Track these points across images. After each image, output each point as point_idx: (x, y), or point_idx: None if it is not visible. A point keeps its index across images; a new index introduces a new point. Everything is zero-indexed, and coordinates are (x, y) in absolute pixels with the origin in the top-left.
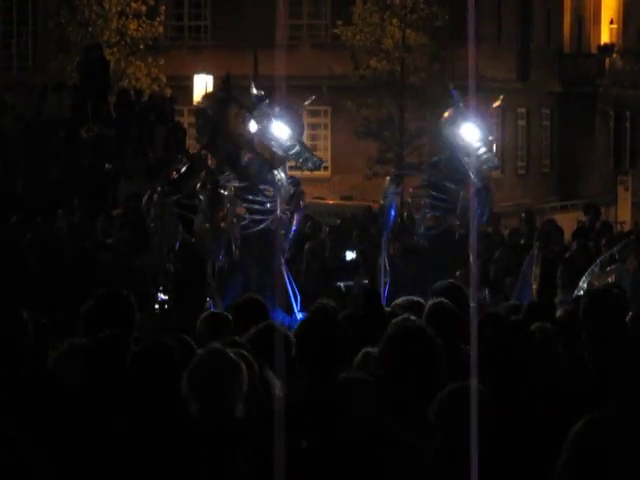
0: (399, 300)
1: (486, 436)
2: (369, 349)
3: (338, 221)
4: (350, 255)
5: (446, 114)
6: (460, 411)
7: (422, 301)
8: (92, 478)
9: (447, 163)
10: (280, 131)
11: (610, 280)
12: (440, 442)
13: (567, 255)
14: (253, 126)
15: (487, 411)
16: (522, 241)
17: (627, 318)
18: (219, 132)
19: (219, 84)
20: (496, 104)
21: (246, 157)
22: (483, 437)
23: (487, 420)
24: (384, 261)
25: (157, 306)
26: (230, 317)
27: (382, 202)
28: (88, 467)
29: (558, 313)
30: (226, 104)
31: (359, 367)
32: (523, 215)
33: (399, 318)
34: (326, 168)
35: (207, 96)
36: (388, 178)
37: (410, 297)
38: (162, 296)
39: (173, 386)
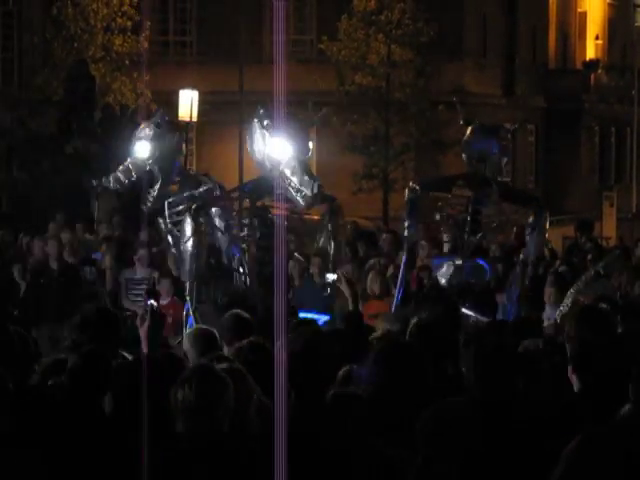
0: (385, 316)
1: (471, 454)
2: (351, 366)
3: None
4: (331, 277)
5: (468, 135)
6: (444, 429)
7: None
8: None
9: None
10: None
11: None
12: (423, 459)
13: (552, 270)
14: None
15: (473, 430)
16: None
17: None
18: None
19: None
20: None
21: None
22: (467, 455)
23: (472, 438)
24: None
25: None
26: (216, 333)
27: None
28: None
29: (545, 329)
30: None
31: (341, 384)
32: (514, 230)
33: (383, 335)
34: None
35: None
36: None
37: (396, 313)
38: (153, 302)
39: (160, 402)
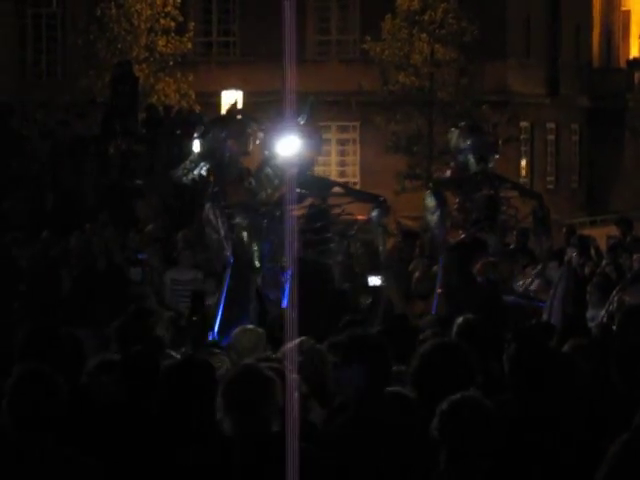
0: (427, 317)
1: (493, 451)
2: (399, 366)
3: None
4: (373, 281)
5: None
6: (463, 425)
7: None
8: None
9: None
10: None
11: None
12: (444, 459)
13: (599, 270)
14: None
15: (491, 424)
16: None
17: None
18: None
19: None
20: None
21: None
22: (491, 452)
23: (492, 433)
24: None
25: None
26: (265, 333)
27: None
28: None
29: (592, 329)
30: None
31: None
32: (564, 230)
33: (430, 334)
34: (355, 183)
35: None
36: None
37: (438, 313)
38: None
39: (208, 402)
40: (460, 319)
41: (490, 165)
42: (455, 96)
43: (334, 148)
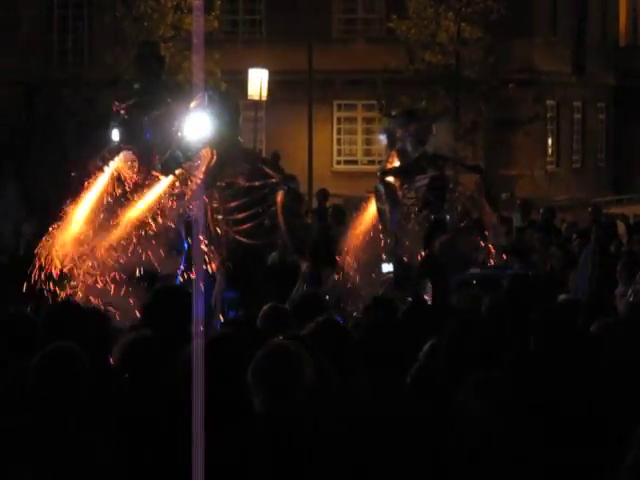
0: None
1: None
2: (435, 340)
3: None
4: (386, 267)
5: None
6: (488, 402)
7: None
8: (152, 474)
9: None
10: None
11: None
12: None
13: (627, 249)
14: None
15: (514, 401)
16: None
17: None
18: None
19: None
20: None
21: None
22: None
23: (516, 411)
24: None
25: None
26: (289, 311)
27: None
28: (148, 464)
29: (620, 307)
30: None
31: (427, 358)
32: (590, 210)
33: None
34: (381, 162)
35: None
36: None
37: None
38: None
39: (239, 381)
40: (489, 296)
41: (426, 146)
42: (481, 75)
43: (360, 127)
